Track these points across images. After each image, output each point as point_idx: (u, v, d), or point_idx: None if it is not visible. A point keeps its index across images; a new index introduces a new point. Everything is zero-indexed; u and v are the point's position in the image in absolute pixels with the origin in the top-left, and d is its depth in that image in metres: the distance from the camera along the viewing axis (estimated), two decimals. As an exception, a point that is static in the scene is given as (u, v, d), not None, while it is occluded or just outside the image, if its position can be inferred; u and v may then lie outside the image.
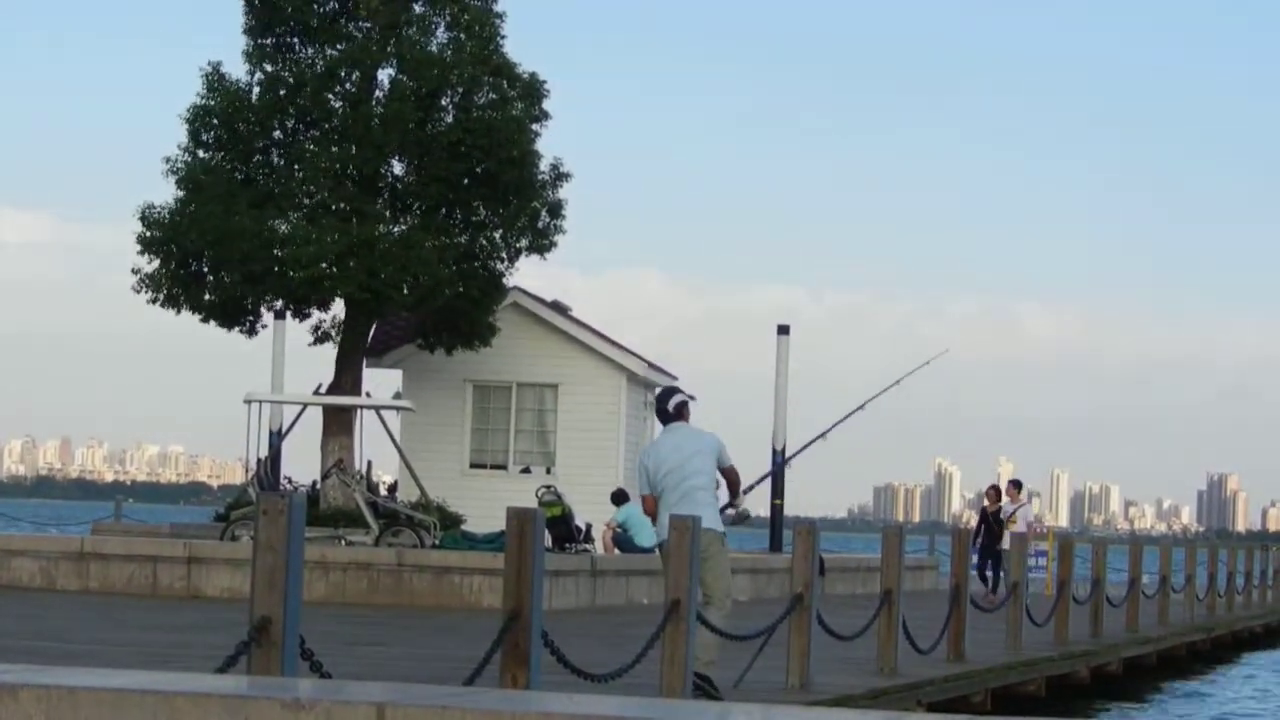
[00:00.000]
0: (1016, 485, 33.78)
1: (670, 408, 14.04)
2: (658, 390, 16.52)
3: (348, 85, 32.19)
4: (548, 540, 21.39)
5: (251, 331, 32.59)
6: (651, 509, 13.87)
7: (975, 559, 32.04)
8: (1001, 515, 32.68)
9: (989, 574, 32.09)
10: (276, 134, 32.14)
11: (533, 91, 32.83)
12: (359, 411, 31.74)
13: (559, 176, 33.15)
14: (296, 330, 34.17)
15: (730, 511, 14.70)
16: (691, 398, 14.59)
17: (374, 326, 33.89)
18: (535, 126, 32.77)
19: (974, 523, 33.16)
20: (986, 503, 34.13)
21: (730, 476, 14.05)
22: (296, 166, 31.77)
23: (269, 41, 32.22)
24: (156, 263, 31.55)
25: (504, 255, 33.25)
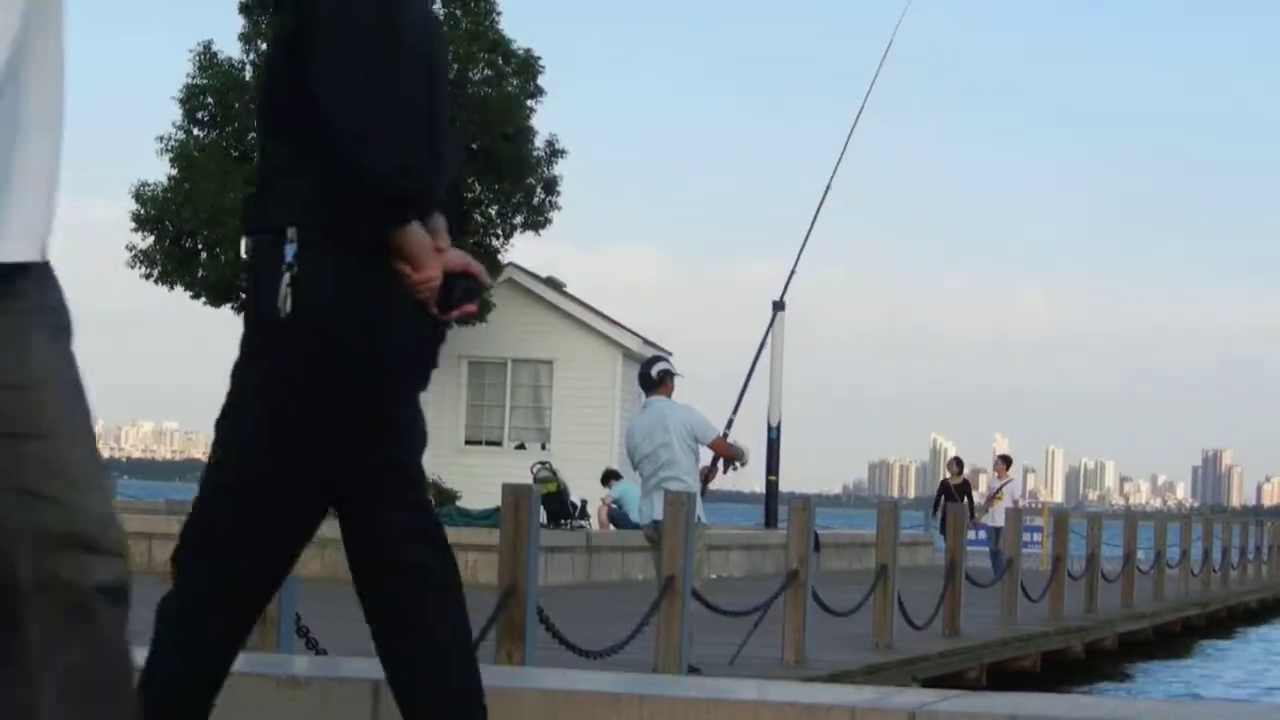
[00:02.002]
0: (1005, 461, 33.66)
1: (654, 374, 13.65)
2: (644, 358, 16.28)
3: (342, 61, 32.15)
4: (543, 517, 21.37)
5: (243, 309, 32.54)
6: None
7: (937, 530, 32.20)
8: (987, 491, 32.62)
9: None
10: (271, 111, 32.09)
11: (528, 68, 32.80)
12: (354, 388, 31.69)
13: (554, 153, 33.13)
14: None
15: (731, 471, 14.39)
16: (679, 375, 14.31)
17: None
18: (530, 103, 32.76)
19: (966, 499, 32.97)
20: (948, 474, 33.96)
21: (718, 449, 13.76)
22: (291, 143, 31.71)
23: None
24: (151, 240, 31.52)
25: (499, 231, 33.22)
